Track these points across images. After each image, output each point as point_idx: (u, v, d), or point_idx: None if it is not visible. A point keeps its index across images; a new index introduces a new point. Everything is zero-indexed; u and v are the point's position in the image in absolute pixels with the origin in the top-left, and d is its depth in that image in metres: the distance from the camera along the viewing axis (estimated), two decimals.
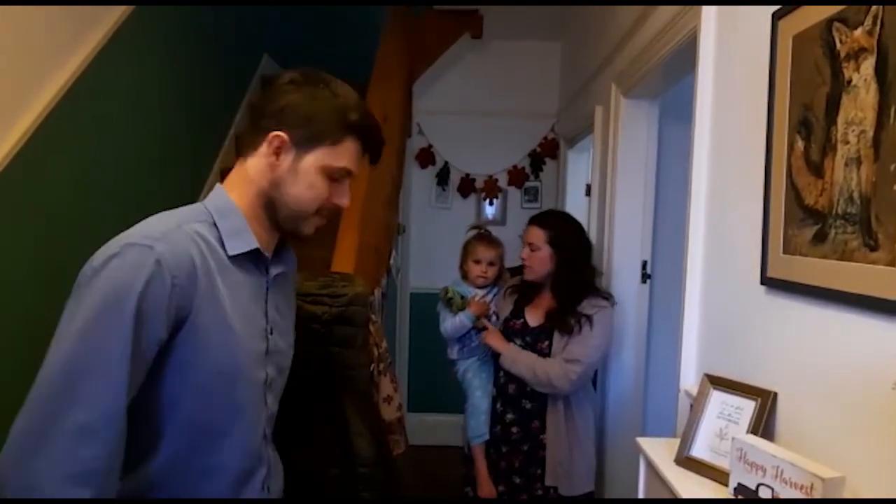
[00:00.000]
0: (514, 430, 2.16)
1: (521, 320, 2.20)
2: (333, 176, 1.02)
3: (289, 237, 1.08)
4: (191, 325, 0.90)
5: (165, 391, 0.91)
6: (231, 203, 1.00)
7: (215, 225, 0.97)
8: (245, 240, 0.99)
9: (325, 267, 1.84)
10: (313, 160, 1.00)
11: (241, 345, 0.98)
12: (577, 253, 2.15)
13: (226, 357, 0.95)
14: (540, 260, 2.13)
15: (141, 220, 0.96)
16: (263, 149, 0.99)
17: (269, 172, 1.00)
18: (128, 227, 0.95)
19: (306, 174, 1.00)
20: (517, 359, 2.12)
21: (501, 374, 2.20)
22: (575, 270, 2.13)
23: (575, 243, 2.15)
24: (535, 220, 2.20)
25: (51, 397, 0.81)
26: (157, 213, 0.98)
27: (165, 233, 0.90)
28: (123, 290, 0.84)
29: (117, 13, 2.33)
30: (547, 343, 2.11)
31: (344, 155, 1.01)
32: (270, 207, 1.01)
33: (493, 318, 2.30)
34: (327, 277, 1.50)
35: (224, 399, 0.97)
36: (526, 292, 2.24)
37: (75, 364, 0.82)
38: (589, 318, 2.05)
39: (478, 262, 2.29)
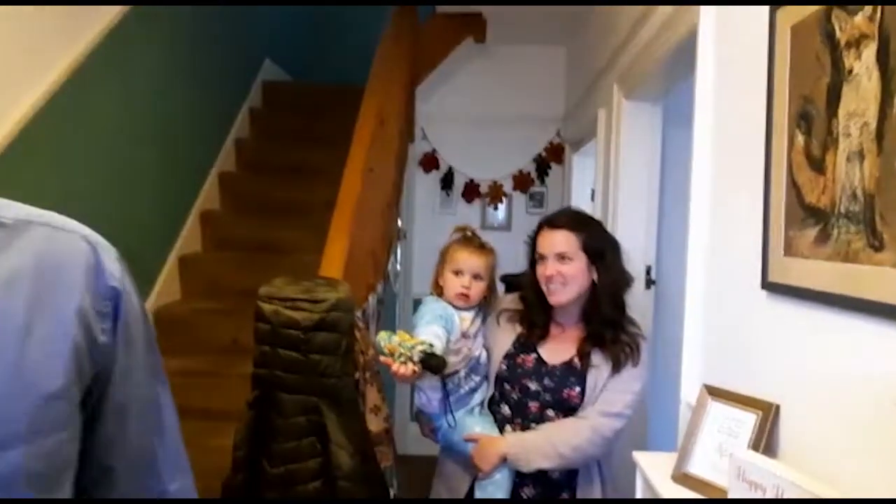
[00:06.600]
0: None
1: (534, 355, 1.62)
2: None
3: None
4: None
5: None
6: None
7: None
8: None
9: (315, 272, 1.79)
10: None
11: None
12: (617, 258, 1.61)
13: None
14: (577, 274, 1.56)
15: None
16: None
17: None
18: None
19: None
20: (527, 448, 1.53)
21: (509, 428, 1.61)
22: (621, 282, 1.60)
23: (612, 246, 1.62)
24: (557, 224, 1.61)
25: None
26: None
27: None
28: None
29: (112, 13, 2.31)
30: (579, 390, 1.56)
31: None
32: None
33: (481, 355, 1.67)
34: (309, 282, 1.45)
35: None
36: (537, 319, 1.65)
37: None
38: (637, 348, 1.56)
39: (458, 272, 1.63)
